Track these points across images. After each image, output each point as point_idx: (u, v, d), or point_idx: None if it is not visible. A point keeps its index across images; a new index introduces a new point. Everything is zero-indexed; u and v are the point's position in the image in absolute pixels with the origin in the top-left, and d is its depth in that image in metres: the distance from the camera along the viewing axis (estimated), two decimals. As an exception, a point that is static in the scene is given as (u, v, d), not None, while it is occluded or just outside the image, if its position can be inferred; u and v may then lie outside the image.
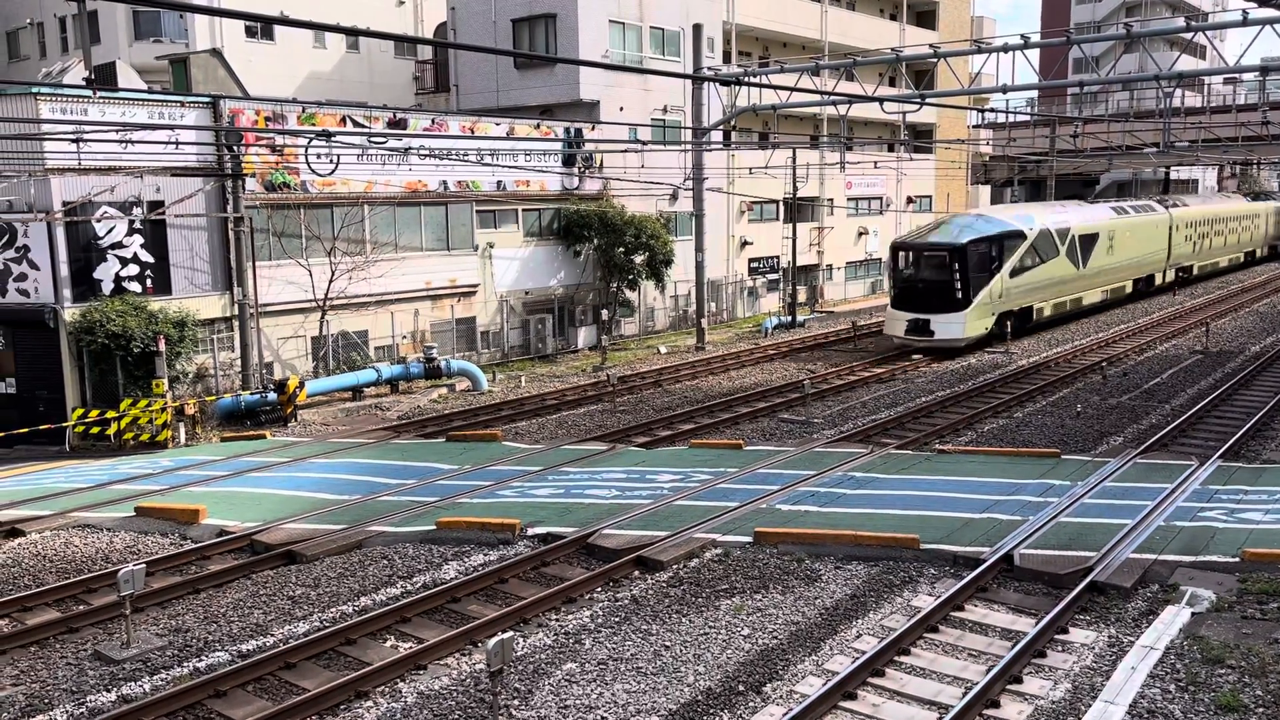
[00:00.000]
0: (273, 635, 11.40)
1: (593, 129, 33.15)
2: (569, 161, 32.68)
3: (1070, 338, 31.66)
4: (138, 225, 22.90)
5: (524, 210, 31.79)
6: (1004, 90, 25.03)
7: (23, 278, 22.25)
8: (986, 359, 28.10)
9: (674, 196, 34.79)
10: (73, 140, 19.86)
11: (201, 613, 12.05)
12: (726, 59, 42.57)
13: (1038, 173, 56.60)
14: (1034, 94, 64.78)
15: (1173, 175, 67.55)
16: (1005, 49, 23.76)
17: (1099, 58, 66.48)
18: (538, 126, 31.70)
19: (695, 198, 32.24)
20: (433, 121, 28.97)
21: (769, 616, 11.49)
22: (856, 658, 10.30)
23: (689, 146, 33.08)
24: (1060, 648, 10.55)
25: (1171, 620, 10.90)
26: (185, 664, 10.74)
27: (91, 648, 11.18)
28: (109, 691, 10.17)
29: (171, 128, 22.25)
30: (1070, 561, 12.33)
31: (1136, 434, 19.47)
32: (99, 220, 22.27)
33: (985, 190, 64.24)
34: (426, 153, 26.38)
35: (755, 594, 12.10)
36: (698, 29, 32.30)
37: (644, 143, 27.03)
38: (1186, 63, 68.24)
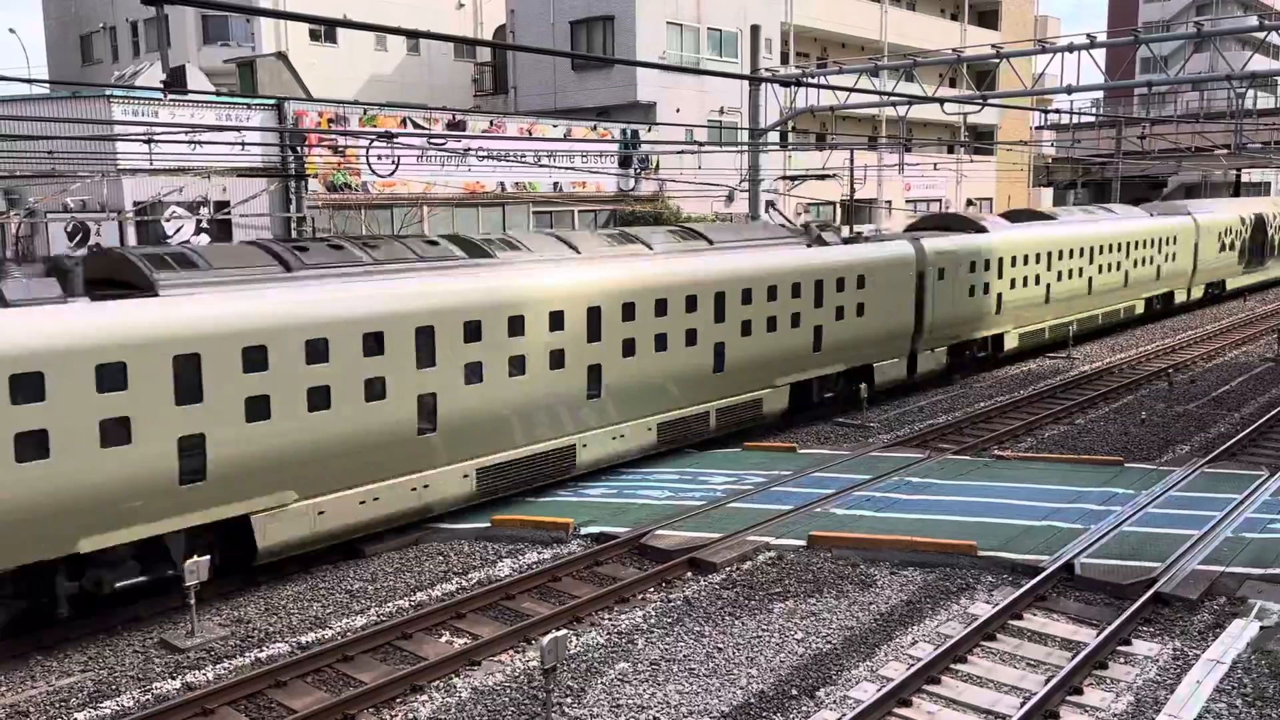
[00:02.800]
0: (331, 628, 11.60)
1: (649, 130, 33.21)
2: (625, 163, 32.78)
3: (1135, 343, 30.97)
4: (204, 225, 23.46)
5: (580, 211, 31.96)
6: (1069, 91, 24.54)
7: (95, 275, 22.89)
8: (1048, 364, 27.60)
9: (730, 198, 34.71)
10: (144, 141, 20.40)
11: (263, 604, 12.29)
12: (784, 60, 42.40)
13: (1102, 175, 55.48)
14: (1099, 95, 63.53)
15: (1244, 178, 65.73)
16: (1070, 49, 23.30)
17: (1168, 57, 64.95)
18: (595, 128, 31.85)
19: (751, 199, 32.12)
20: (491, 123, 29.26)
21: (823, 621, 11.42)
22: (911, 664, 10.20)
23: (745, 148, 32.99)
24: (1122, 659, 10.33)
25: (1239, 634, 10.62)
26: (247, 654, 10.97)
27: (158, 636, 11.47)
28: (174, 679, 10.43)
29: (238, 129, 22.76)
30: (1133, 572, 12.07)
31: (1204, 443, 18.98)
32: (168, 220, 22.85)
33: (1048, 192, 63.15)
34: (485, 154, 26.65)
35: (809, 598, 12.03)
36: (755, 30, 32.22)
37: (700, 144, 27.02)
38: (1259, 62, 66.32)
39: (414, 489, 13.88)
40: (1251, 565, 12.20)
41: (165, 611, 12.01)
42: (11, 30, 70.95)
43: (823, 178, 30.73)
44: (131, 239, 22.45)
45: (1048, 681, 9.73)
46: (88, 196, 22.53)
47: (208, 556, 11.47)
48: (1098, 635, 10.62)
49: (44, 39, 46.13)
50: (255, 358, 11.93)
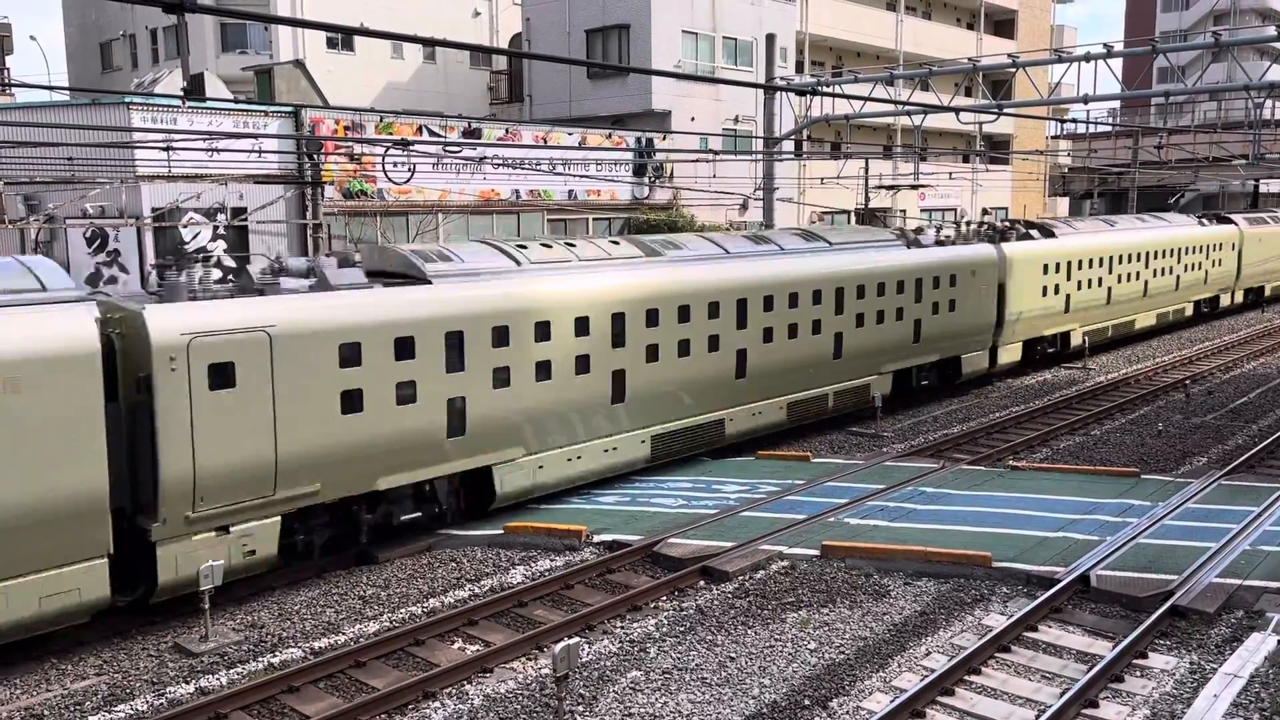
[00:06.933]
0: (344, 634, 11.62)
1: (664, 139, 33.26)
2: (640, 171, 32.83)
3: (1152, 354, 30.80)
4: (221, 231, 23.59)
5: (594, 219, 32.01)
6: (1085, 100, 24.48)
7: (113, 280, 23.06)
8: (1063, 375, 27.48)
9: (744, 207, 34.73)
10: (163, 148, 20.55)
11: (276, 610, 12.33)
12: (799, 69, 42.43)
13: (1119, 185, 55.24)
14: (1116, 104, 63.31)
15: (1262, 188, 65.31)
16: (1087, 58, 23.24)
17: (1185, 67, 64.71)
18: (609, 136, 31.92)
19: (765, 208, 32.13)
20: (506, 131, 29.35)
21: (836, 631, 11.37)
22: (925, 675, 10.14)
23: (760, 156, 33.00)
24: (1139, 673, 10.25)
25: (1257, 648, 10.52)
26: (260, 659, 11.00)
27: (172, 640, 11.51)
28: (188, 683, 10.46)
29: (255, 136, 22.87)
30: (1150, 584, 11.99)
31: (1221, 455, 18.85)
32: (185, 226, 22.99)
33: (1064, 202, 62.94)
34: (500, 162, 26.72)
35: (822, 608, 11.99)
36: (771, 39, 32.22)
37: (715, 152, 27.01)
38: (1278, 72, 65.97)
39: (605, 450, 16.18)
40: (1269, 578, 12.10)
41: (179, 616, 12.06)
42: (32, 38, 71.72)
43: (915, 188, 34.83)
44: (149, 245, 22.60)
45: (1063, 694, 9.66)
46: (106, 202, 22.68)
47: (221, 561, 11.53)
48: (1113, 648, 10.54)
49: (64, 46, 46.57)
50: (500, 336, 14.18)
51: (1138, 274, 31.27)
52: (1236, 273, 38.46)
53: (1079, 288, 28.26)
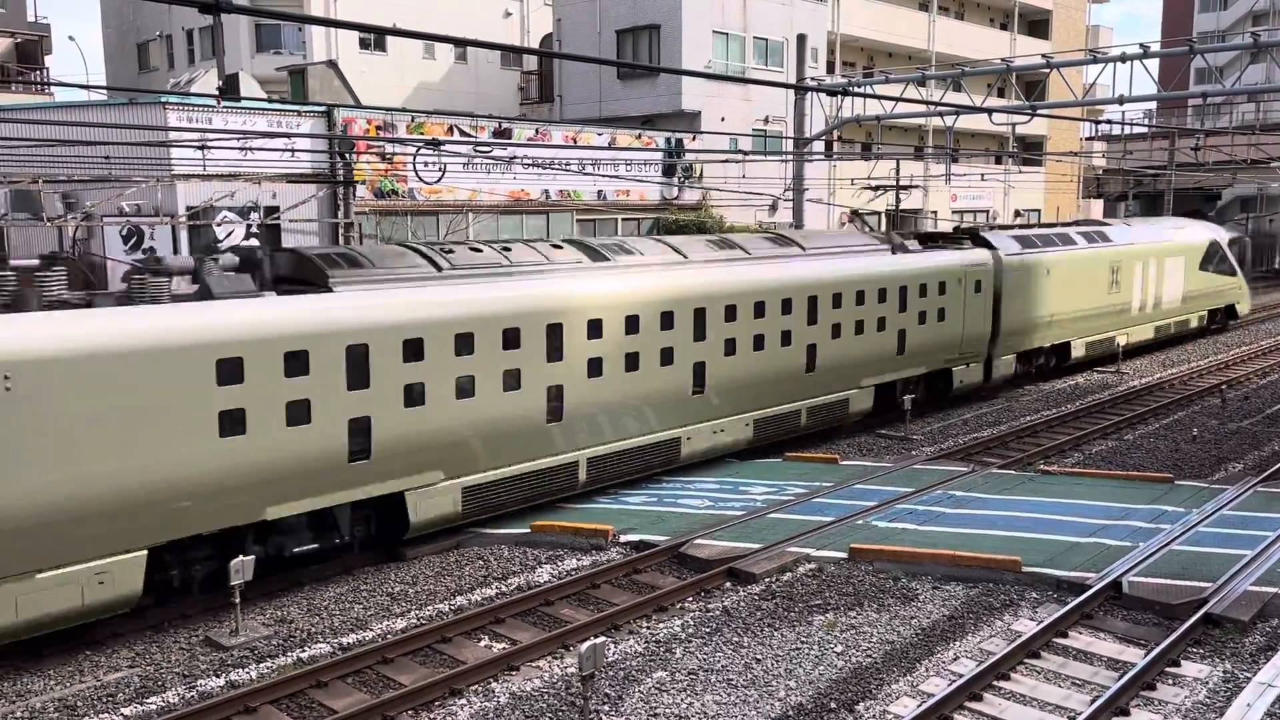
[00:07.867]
0: (372, 630, 11.71)
1: (693, 139, 33.22)
2: (669, 171, 32.82)
3: (1187, 359, 30.38)
4: (255, 229, 23.84)
5: (623, 219, 32.04)
6: (1120, 101, 24.15)
7: (148, 278, 23.36)
8: (1096, 379, 27.17)
9: (774, 207, 34.63)
10: (198, 147, 20.79)
11: (305, 605, 12.44)
12: (830, 69, 42.25)
13: (1155, 186, 54.55)
14: (1152, 105, 62.56)
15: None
16: (1124, 58, 22.96)
17: (1223, 68, 63.80)
18: (639, 136, 31.93)
19: (795, 209, 32.03)
20: (536, 131, 29.44)
21: (863, 634, 11.31)
22: (953, 680, 10.07)
23: (790, 157, 32.88)
24: (1171, 681, 10.12)
25: (1293, 658, 10.35)
26: (289, 654, 11.11)
27: (203, 634, 11.65)
28: (218, 677, 10.58)
29: (289, 136, 23.09)
30: (1183, 591, 11.83)
31: (1258, 461, 18.56)
32: (219, 224, 23.26)
33: (1098, 204, 62.26)
34: (530, 162, 26.80)
35: (849, 611, 11.93)
36: (801, 39, 32.11)
37: (745, 153, 26.95)
38: (1319, 73, 64.79)
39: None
40: (1306, 587, 11.91)
41: (211, 610, 12.20)
42: (71, 39, 72.79)
43: None
44: (184, 244, 22.88)
45: (1094, 701, 9.56)
46: (142, 201, 22.98)
47: (252, 556, 11.66)
48: (1146, 655, 10.42)
49: (102, 47, 47.24)
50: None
51: (671, 352, 16.40)
52: (992, 330, 23.26)
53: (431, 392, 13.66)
